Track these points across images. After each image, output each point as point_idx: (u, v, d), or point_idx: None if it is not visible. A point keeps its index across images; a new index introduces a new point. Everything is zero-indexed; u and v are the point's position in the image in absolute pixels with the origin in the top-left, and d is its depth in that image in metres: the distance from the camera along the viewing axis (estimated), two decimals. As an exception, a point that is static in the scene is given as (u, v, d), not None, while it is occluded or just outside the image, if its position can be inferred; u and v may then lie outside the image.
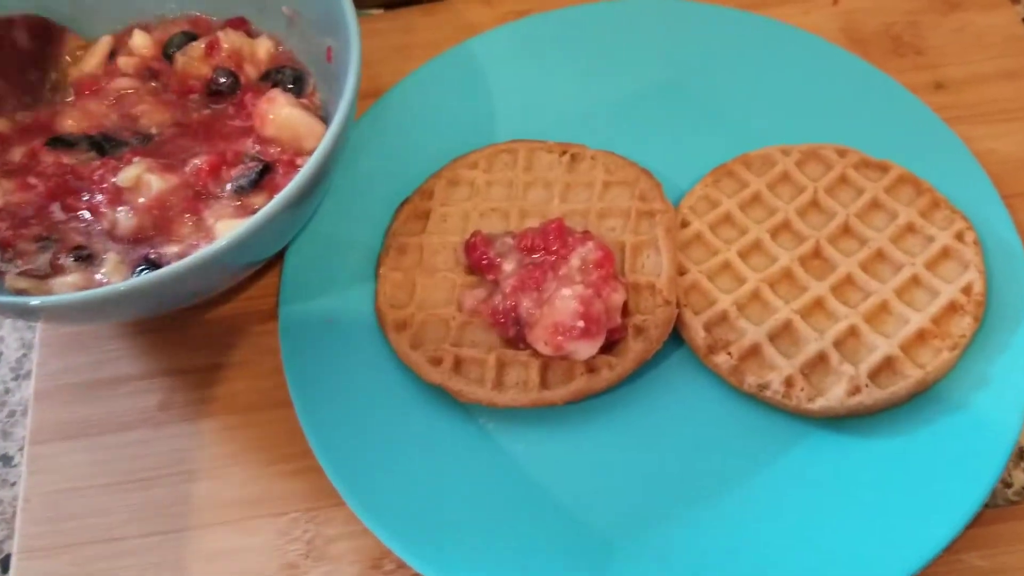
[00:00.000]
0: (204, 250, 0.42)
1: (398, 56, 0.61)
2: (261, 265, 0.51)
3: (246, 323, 0.52)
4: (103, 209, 0.48)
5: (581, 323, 0.44)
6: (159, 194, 0.48)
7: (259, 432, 0.49)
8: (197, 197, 0.49)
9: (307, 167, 0.44)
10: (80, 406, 0.51)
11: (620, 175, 0.52)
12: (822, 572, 0.42)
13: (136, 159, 0.49)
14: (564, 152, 0.53)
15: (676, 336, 0.48)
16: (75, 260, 0.47)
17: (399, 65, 0.60)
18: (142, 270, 0.46)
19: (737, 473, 0.45)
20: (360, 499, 0.44)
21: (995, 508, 0.45)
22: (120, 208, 0.48)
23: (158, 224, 0.48)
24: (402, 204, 0.53)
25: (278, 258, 0.52)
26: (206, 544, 0.47)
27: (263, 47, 0.55)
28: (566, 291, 0.45)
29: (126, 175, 0.48)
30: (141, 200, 0.48)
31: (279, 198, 0.43)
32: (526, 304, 0.46)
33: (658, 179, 0.52)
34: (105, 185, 0.49)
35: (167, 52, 0.55)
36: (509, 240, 0.48)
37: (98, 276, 0.47)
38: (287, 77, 0.53)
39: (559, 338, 0.45)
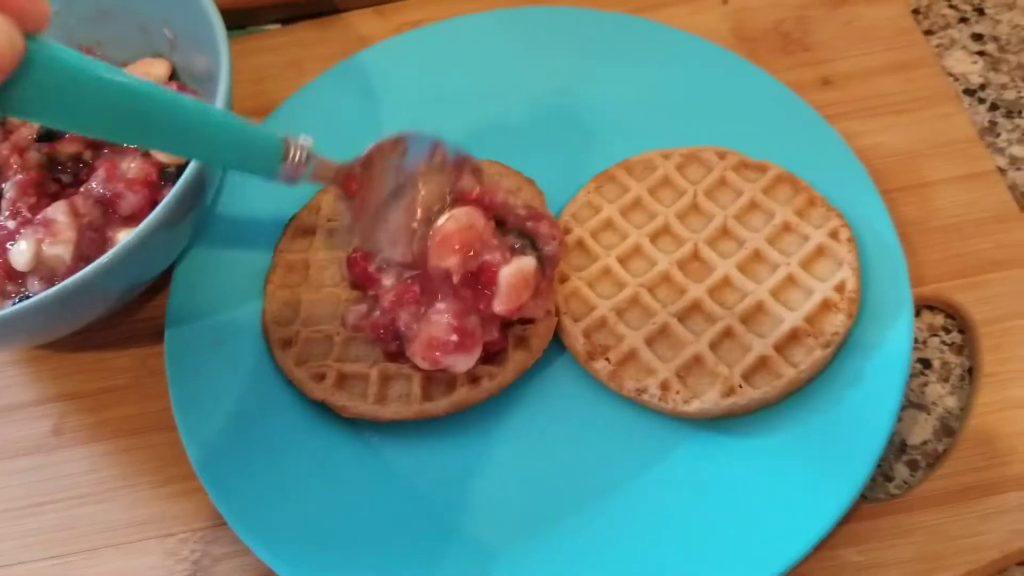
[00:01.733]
0: (82, 272, 0.42)
1: (292, 71, 0.61)
2: (146, 287, 0.51)
3: (136, 345, 0.52)
4: None
5: (455, 337, 0.44)
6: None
7: (148, 454, 0.49)
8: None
9: (179, 183, 0.44)
10: (-26, 435, 0.51)
11: (503, 184, 0.52)
12: (700, 571, 0.42)
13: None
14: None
15: (559, 343, 0.48)
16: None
17: (293, 80, 0.60)
18: (17, 300, 0.46)
19: (617, 477, 0.45)
20: (241, 519, 0.45)
21: (875, 503, 0.45)
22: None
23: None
24: (290, 220, 0.53)
25: (168, 278, 0.52)
26: (97, 567, 0.47)
27: (161, 68, 0.55)
28: (440, 305, 0.45)
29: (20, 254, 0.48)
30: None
31: (154, 215, 0.44)
32: (404, 318, 0.46)
33: (541, 187, 0.52)
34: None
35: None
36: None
37: None
38: None
39: (435, 353, 0.45)
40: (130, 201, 0.49)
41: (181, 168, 0.50)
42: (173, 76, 0.55)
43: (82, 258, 0.47)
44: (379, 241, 0.46)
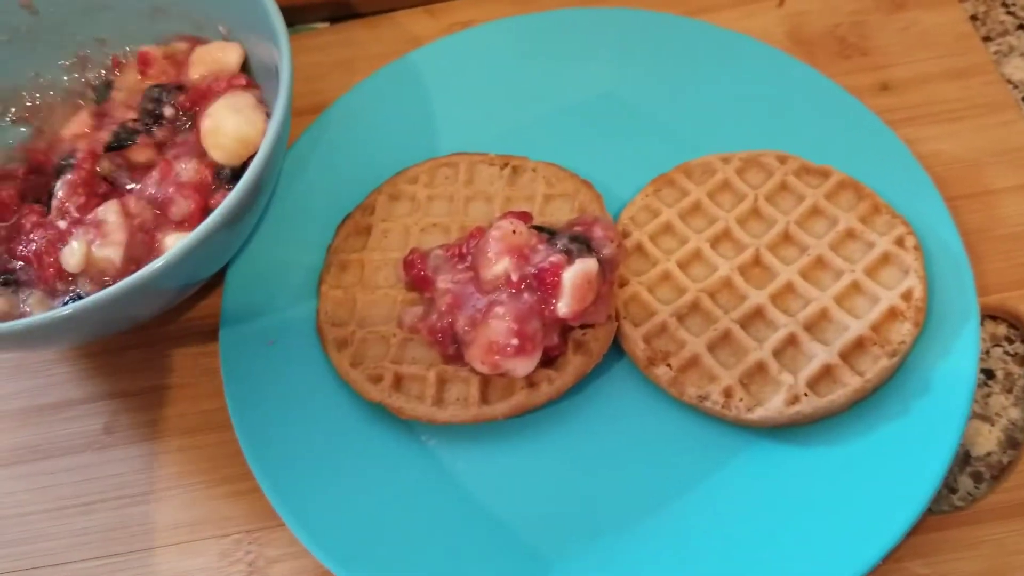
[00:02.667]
0: (136, 275, 0.42)
1: (342, 70, 0.60)
2: (200, 286, 0.51)
3: (189, 344, 0.52)
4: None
5: (515, 341, 0.44)
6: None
7: (201, 454, 0.49)
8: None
9: (239, 186, 0.44)
10: (25, 431, 0.51)
11: (560, 187, 0.52)
12: (763, 583, 0.42)
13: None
14: (505, 164, 0.53)
15: (618, 348, 0.48)
16: (2, 285, 0.47)
17: (343, 79, 0.59)
18: (69, 300, 0.46)
19: (678, 484, 0.45)
20: (299, 520, 0.44)
21: (940, 515, 0.45)
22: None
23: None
24: (343, 220, 0.53)
25: (220, 278, 0.52)
26: (150, 567, 0.47)
27: (233, 54, 0.54)
28: (499, 309, 0.44)
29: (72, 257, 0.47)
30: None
31: (212, 218, 0.43)
32: (461, 322, 0.46)
33: (599, 190, 0.51)
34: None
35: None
36: (440, 252, 0.48)
37: (23, 306, 0.47)
38: None
39: (495, 357, 0.44)
40: (181, 207, 0.48)
41: (236, 170, 0.50)
42: (245, 64, 0.54)
43: (132, 260, 0.47)
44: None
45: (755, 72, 0.55)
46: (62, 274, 0.48)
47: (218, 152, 0.50)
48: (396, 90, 0.57)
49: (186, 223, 0.49)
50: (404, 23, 0.63)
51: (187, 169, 0.49)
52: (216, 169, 0.50)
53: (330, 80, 0.60)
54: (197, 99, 0.52)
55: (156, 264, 0.42)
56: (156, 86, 0.53)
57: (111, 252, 0.46)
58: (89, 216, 0.48)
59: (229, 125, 0.49)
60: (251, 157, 0.49)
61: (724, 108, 0.54)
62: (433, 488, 0.46)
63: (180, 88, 0.53)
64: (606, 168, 0.53)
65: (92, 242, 0.47)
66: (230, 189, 0.46)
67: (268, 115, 0.50)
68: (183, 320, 0.53)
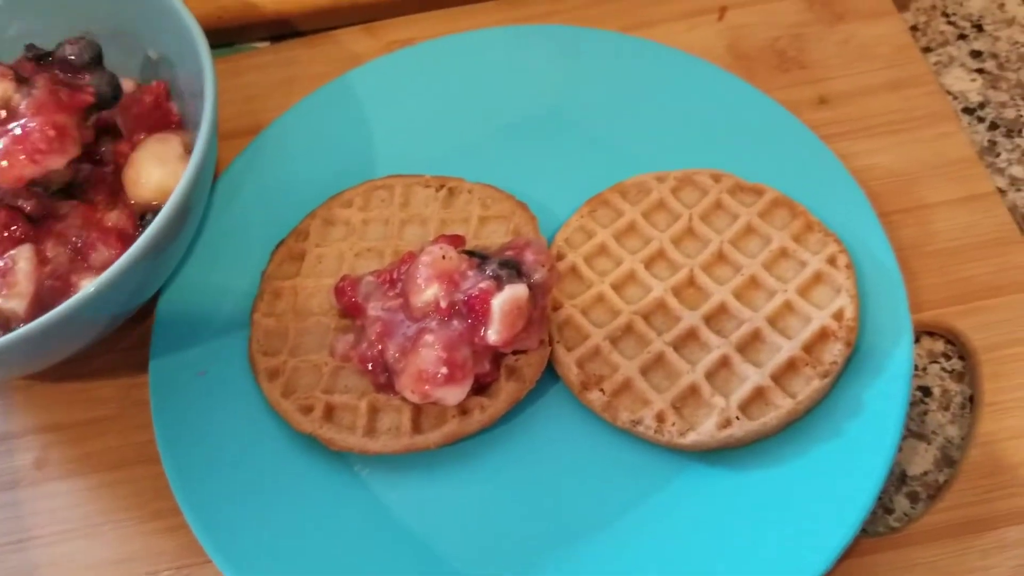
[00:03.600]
0: (60, 308, 0.41)
1: (281, 90, 0.60)
2: (130, 316, 0.50)
3: (120, 375, 0.51)
4: None
5: (445, 369, 0.43)
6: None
7: (132, 488, 0.48)
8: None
9: (160, 216, 0.43)
10: (-46, 468, 0.50)
11: (496, 209, 0.51)
12: (697, 609, 0.41)
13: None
14: (441, 186, 0.52)
15: (552, 372, 0.47)
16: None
17: (282, 100, 0.58)
18: (-6, 333, 0.45)
19: (613, 510, 0.44)
20: (227, 556, 0.43)
21: (875, 536, 0.44)
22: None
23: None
24: (277, 246, 0.52)
25: (152, 307, 0.51)
26: (80, 605, 0.46)
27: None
28: (428, 337, 0.44)
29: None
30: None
31: (133, 249, 0.43)
32: (392, 351, 0.45)
33: (535, 210, 0.51)
34: None
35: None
36: (371, 279, 0.47)
37: None
38: None
39: (425, 386, 0.43)
40: (102, 254, 0.47)
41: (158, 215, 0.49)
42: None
43: (41, 307, 0.46)
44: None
45: (692, 89, 0.55)
46: None
47: (139, 198, 0.49)
48: (332, 111, 0.57)
49: (104, 269, 0.48)
50: (344, 42, 0.62)
51: (111, 216, 0.49)
52: (139, 218, 0.49)
53: (269, 100, 0.59)
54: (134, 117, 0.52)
55: (76, 299, 0.41)
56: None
57: (15, 304, 0.45)
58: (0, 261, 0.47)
59: (153, 177, 0.49)
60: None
61: (661, 125, 0.54)
62: (367, 520, 0.45)
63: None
64: (543, 188, 0.52)
65: None
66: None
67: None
68: (115, 350, 0.52)
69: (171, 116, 0.53)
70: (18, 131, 0.46)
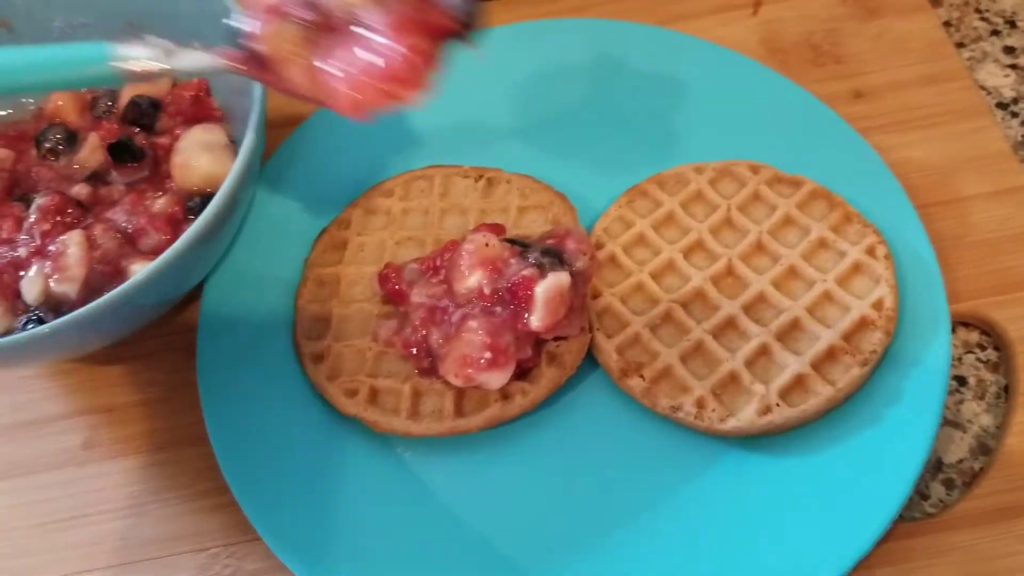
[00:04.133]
0: (112, 292, 0.42)
1: (320, 82, 0.61)
2: (177, 302, 0.51)
3: (166, 359, 0.52)
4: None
5: (488, 354, 0.44)
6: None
7: (179, 468, 0.49)
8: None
9: (213, 204, 0.44)
10: (4, 448, 0.51)
11: (534, 199, 0.52)
12: (736, 591, 0.42)
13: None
14: (480, 176, 0.53)
15: (591, 359, 0.48)
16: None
17: (321, 91, 0.59)
18: (28, 321, 0.46)
19: (652, 494, 0.45)
20: (275, 534, 0.45)
21: (911, 522, 0.45)
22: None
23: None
24: (320, 234, 0.53)
25: (197, 292, 0.52)
26: (129, 583, 0.47)
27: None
28: (472, 323, 0.45)
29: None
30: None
31: (185, 236, 0.44)
32: (435, 336, 0.46)
33: (573, 201, 0.52)
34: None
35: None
36: (415, 266, 0.48)
37: None
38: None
39: (468, 370, 0.44)
40: (152, 239, 0.48)
41: (206, 200, 0.49)
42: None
43: (91, 291, 0.47)
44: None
45: (728, 82, 0.55)
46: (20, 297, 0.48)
47: (187, 184, 0.50)
48: (372, 103, 0.57)
49: (154, 253, 0.49)
50: (382, 34, 0.63)
51: (159, 203, 0.50)
52: (186, 203, 0.50)
53: (308, 92, 0.60)
54: (173, 115, 0.54)
55: (129, 284, 0.42)
56: (136, 97, 0.53)
57: (67, 288, 0.46)
58: (51, 246, 0.48)
59: (201, 165, 0.51)
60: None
61: (698, 118, 0.55)
62: (409, 500, 0.46)
63: (156, 105, 0.54)
64: (580, 179, 0.53)
65: (50, 276, 0.47)
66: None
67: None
68: (160, 335, 0.53)
69: (212, 110, 0.55)
70: (371, 52, 0.37)
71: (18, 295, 0.47)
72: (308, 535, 0.45)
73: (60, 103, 0.55)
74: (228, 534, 0.47)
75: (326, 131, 0.57)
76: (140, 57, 0.42)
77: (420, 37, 0.38)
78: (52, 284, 0.47)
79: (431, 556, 0.44)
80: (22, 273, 0.47)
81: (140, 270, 0.44)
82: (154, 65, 0.43)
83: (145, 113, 0.54)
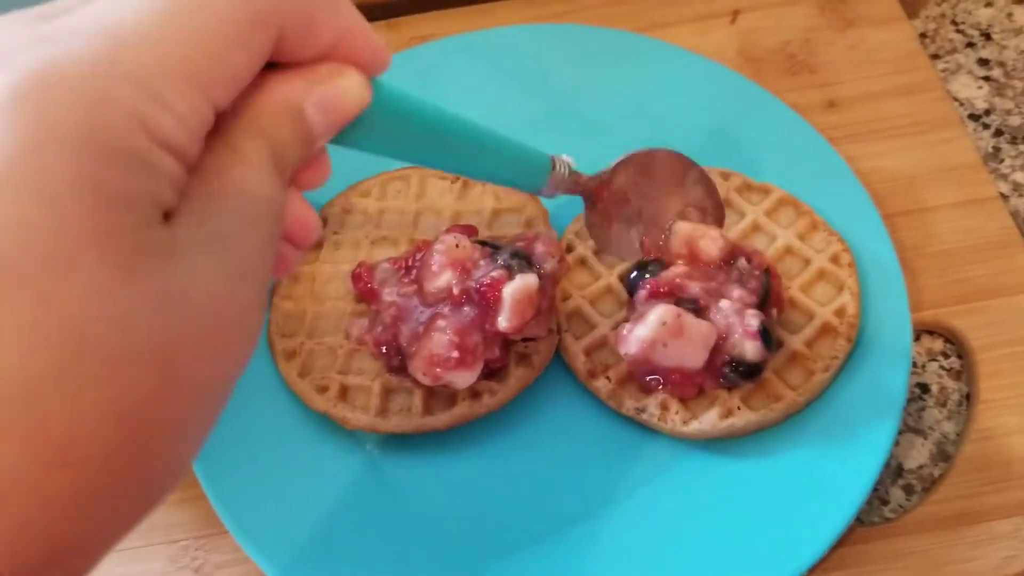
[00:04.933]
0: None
1: (302, 83, 0.61)
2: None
3: (143, 353, 0.53)
4: None
5: (456, 353, 0.45)
6: None
7: (152, 462, 0.50)
8: None
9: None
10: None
11: (508, 202, 0.53)
12: (694, 593, 0.43)
13: None
14: (456, 179, 0.54)
15: (559, 360, 0.49)
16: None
17: (304, 92, 0.60)
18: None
19: (615, 495, 0.46)
20: (242, 527, 0.45)
21: (868, 526, 0.46)
22: None
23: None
24: (297, 232, 0.54)
25: (175, 288, 0.53)
26: (100, 572, 0.47)
27: None
28: (441, 322, 0.45)
29: None
30: None
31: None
32: (405, 334, 0.47)
33: (546, 204, 0.52)
34: None
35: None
36: (387, 266, 0.49)
37: None
38: None
39: (436, 369, 0.45)
40: None
41: None
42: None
43: None
44: (616, 246, 0.50)
45: (703, 89, 0.56)
46: None
47: None
48: (353, 103, 0.58)
49: None
50: (365, 36, 0.64)
51: None
52: None
53: (291, 92, 0.61)
54: None
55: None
56: None
57: None
58: None
59: None
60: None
61: (672, 124, 0.55)
62: (376, 497, 0.47)
63: None
64: (554, 183, 0.54)
65: None
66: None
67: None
68: (138, 329, 0.54)
69: None
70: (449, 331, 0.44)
71: None
72: (275, 529, 0.45)
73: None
74: (198, 527, 0.48)
75: (306, 131, 0.57)
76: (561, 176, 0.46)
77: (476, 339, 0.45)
78: None
79: (396, 552, 0.45)
80: None
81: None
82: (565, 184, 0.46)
83: None
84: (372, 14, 0.64)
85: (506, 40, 0.60)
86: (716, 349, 0.45)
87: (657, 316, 0.44)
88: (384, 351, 0.48)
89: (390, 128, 0.35)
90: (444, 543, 0.45)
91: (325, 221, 0.54)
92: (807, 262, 0.49)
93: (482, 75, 0.59)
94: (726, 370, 0.45)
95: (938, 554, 0.44)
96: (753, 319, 0.45)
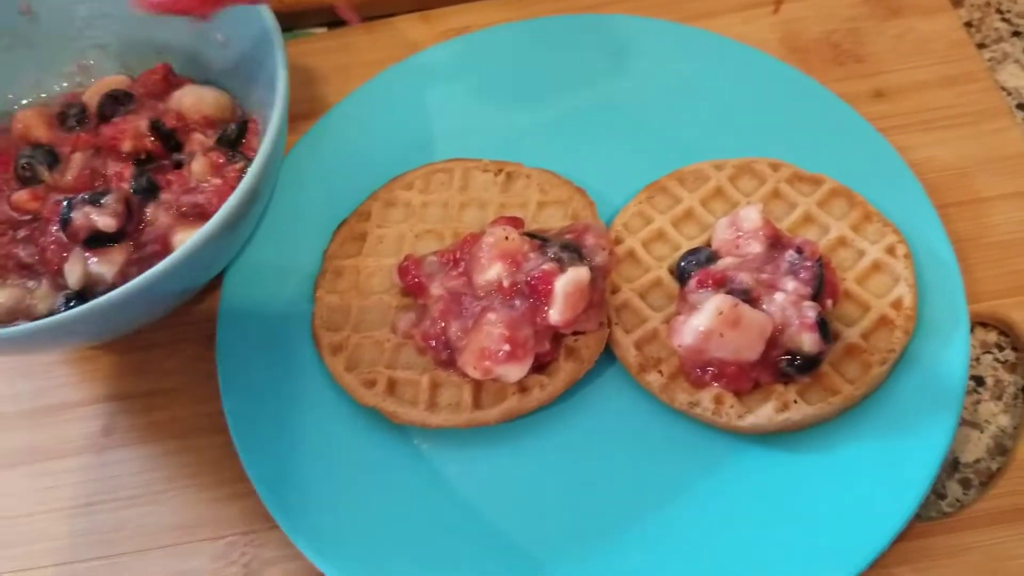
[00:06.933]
0: (135, 281, 0.43)
1: (339, 76, 0.61)
2: (198, 291, 0.51)
3: (186, 348, 0.53)
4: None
5: (507, 347, 0.44)
6: None
7: (197, 457, 0.50)
8: None
9: (236, 193, 0.45)
10: (27, 433, 0.52)
11: (554, 194, 0.52)
12: (751, 588, 0.42)
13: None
14: (500, 171, 0.53)
15: (609, 354, 0.48)
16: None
17: (340, 85, 0.60)
18: (71, 303, 0.47)
19: (668, 489, 0.45)
20: (293, 522, 0.45)
21: (928, 521, 0.45)
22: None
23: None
24: (339, 226, 0.53)
25: (218, 283, 0.52)
26: (146, 568, 0.47)
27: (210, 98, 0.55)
28: (491, 315, 0.45)
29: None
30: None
31: (208, 227, 0.44)
32: (454, 328, 0.46)
33: (592, 196, 0.52)
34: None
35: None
36: (435, 259, 0.48)
37: (30, 299, 0.48)
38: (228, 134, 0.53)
39: (486, 363, 0.45)
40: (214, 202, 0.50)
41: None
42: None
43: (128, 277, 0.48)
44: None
45: (749, 79, 0.55)
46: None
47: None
48: (392, 96, 0.58)
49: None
50: (401, 29, 0.63)
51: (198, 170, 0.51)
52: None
53: (327, 85, 0.61)
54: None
55: (153, 271, 0.43)
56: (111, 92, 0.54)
57: (105, 270, 0.48)
58: None
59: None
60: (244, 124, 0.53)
61: (718, 115, 0.55)
62: (425, 491, 0.46)
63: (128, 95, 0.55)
64: (600, 175, 0.53)
65: (88, 259, 0.48)
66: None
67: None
68: (180, 324, 0.53)
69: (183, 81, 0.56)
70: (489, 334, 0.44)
71: (60, 274, 0.49)
72: (325, 524, 0.45)
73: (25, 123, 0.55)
74: (246, 523, 0.48)
75: (347, 123, 0.57)
76: None
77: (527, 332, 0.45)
78: (90, 266, 0.48)
79: (446, 547, 0.44)
80: (65, 255, 0.48)
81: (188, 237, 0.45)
82: None
83: (121, 102, 0.54)
84: (406, 5, 0.64)
85: (545, 31, 0.59)
86: (772, 342, 0.44)
87: (714, 305, 0.43)
88: (433, 345, 0.47)
89: None
90: (493, 538, 0.45)
91: (368, 215, 0.53)
92: (861, 253, 0.48)
93: (520, 67, 0.59)
94: (782, 363, 0.44)
95: (1000, 549, 0.43)
96: (810, 310, 0.44)
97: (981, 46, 0.60)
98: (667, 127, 0.55)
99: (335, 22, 0.65)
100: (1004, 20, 0.61)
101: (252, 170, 0.45)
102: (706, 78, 0.56)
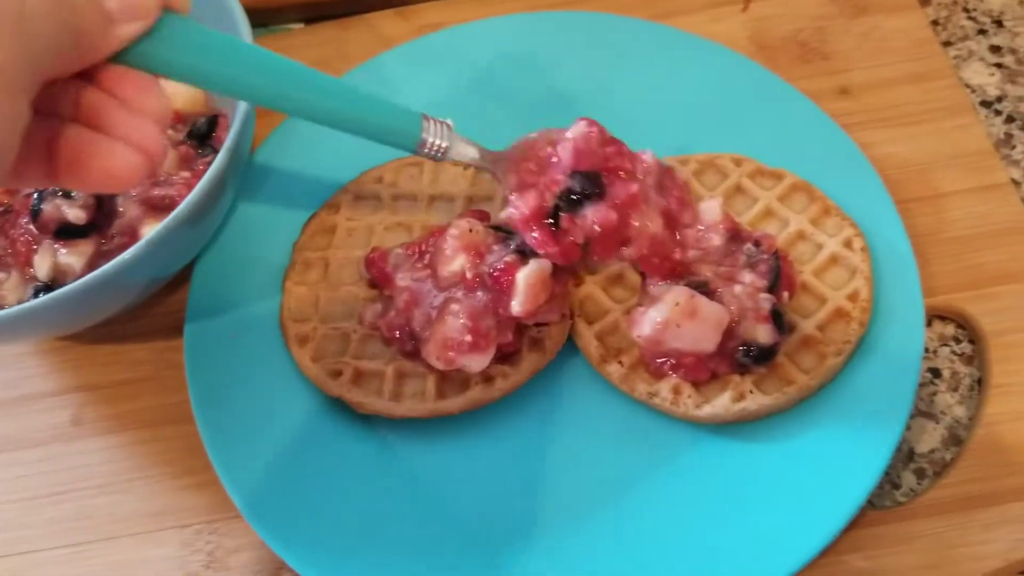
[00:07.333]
0: (100, 270, 0.43)
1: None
2: (166, 282, 0.52)
3: (155, 339, 0.53)
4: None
5: (469, 337, 0.45)
6: None
7: (165, 446, 0.50)
8: None
9: (200, 185, 0.45)
10: (-3, 423, 0.52)
11: (521, 187, 0.53)
12: (706, 573, 0.43)
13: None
14: (469, 165, 0.54)
15: (572, 345, 0.49)
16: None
17: (315, 79, 0.60)
18: (39, 291, 0.47)
19: (627, 479, 0.46)
20: (255, 511, 0.45)
21: (880, 509, 0.46)
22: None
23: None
24: (309, 219, 0.54)
25: (187, 273, 0.53)
26: (114, 556, 0.48)
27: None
28: (454, 306, 0.45)
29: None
30: None
31: (172, 217, 0.44)
32: (419, 319, 0.47)
33: (559, 191, 0.52)
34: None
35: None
36: (401, 251, 0.49)
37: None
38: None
39: (449, 353, 0.45)
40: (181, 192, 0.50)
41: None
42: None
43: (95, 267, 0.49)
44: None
45: (715, 76, 0.56)
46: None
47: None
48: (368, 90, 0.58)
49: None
50: (377, 25, 0.64)
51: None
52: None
53: (302, 80, 0.61)
54: None
55: (123, 258, 0.43)
56: None
57: (74, 260, 0.49)
58: None
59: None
60: (214, 119, 0.53)
61: (684, 110, 0.55)
62: (390, 481, 0.47)
63: None
64: (567, 169, 0.54)
65: (58, 251, 0.49)
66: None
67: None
68: (150, 315, 0.54)
69: None
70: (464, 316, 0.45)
71: (29, 265, 0.50)
72: (289, 513, 0.46)
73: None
74: (211, 511, 0.48)
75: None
76: (437, 136, 0.45)
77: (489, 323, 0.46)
78: (60, 257, 0.49)
79: (409, 536, 0.45)
80: (36, 247, 0.49)
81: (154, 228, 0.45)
82: (443, 144, 0.45)
83: None
84: (382, 2, 0.65)
85: (517, 28, 0.60)
86: (728, 333, 0.45)
87: (671, 297, 0.44)
88: (398, 335, 0.48)
89: (194, 55, 0.36)
90: (458, 526, 0.45)
91: (338, 207, 0.54)
92: (820, 247, 0.49)
93: (493, 63, 0.59)
94: (739, 354, 0.45)
95: (950, 537, 0.44)
96: (765, 302, 0.45)
97: (947, 44, 0.60)
98: (634, 123, 0.54)
99: (312, 17, 0.66)
100: (970, 18, 0.62)
101: (216, 162, 0.46)
102: (673, 75, 0.57)
